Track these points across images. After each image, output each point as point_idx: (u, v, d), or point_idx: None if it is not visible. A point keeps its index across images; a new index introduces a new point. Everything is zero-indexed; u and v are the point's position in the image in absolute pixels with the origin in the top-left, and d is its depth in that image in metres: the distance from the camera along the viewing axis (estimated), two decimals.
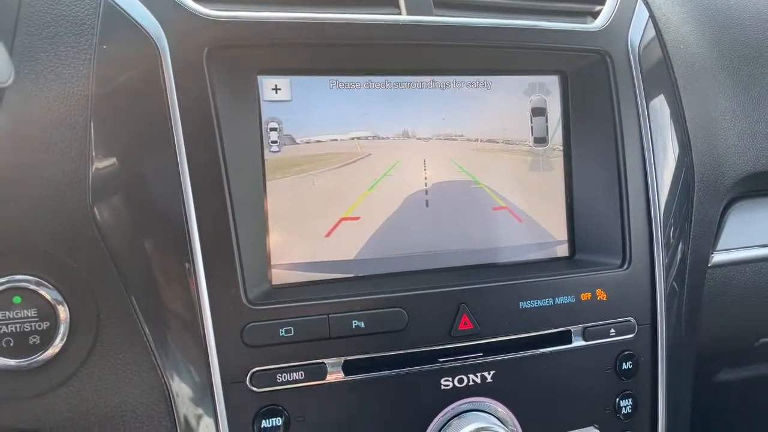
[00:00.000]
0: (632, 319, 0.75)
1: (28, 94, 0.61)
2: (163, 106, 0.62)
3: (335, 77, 0.69)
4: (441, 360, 0.68)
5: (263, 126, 0.67)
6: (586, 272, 0.74)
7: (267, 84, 0.67)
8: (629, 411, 0.74)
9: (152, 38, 0.62)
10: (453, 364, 0.68)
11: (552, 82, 0.77)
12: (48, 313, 0.60)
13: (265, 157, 0.67)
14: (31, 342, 0.60)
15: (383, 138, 0.71)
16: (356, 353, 0.65)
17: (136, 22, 0.62)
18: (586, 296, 0.73)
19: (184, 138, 0.62)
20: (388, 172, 0.71)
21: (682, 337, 0.80)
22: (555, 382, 0.72)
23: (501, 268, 0.74)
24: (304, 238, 0.68)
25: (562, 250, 0.78)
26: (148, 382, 0.63)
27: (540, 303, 0.71)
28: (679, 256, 0.80)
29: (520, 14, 0.75)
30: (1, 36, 0.60)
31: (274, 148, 0.67)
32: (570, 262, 0.77)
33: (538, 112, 0.77)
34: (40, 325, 0.60)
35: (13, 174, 0.60)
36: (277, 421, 0.63)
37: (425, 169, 0.72)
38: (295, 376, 0.63)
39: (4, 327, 0.59)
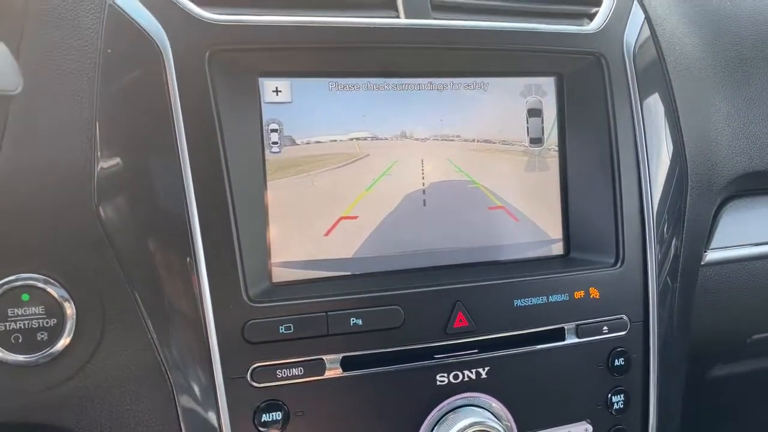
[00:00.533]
0: (625, 317, 0.76)
1: (34, 97, 0.63)
2: (166, 108, 0.63)
3: (335, 79, 0.70)
4: (437, 356, 0.69)
5: (264, 127, 0.68)
6: (579, 271, 0.75)
7: (268, 86, 0.69)
8: (621, 406, 0.76)
9: (155, 42, 0.63)
10: (448, 361, 0.69)
11: (548, 83, 0.78)
12: (55, 310, 0.62)
13: (266, 157, 0.68)
14: (38, 338, 0.61)
15: (381, 139, 0.72)
16: (354, 350, 0.67)
17: (140, 25, 0.64)
18: (579, 294, 0.74)
19: (186, 139, 0.63)
20: (386, 172, 0.72)
21: (674, 335, 0.82)
22: (548, 378, 0.73)
23: (496, 266, 0.76)
24: (304, 237, 0.70)
25: (557, 249, 0.79)
26: (152, 378, 0.64)
27: (534, 301, 0.72)
28: (672, 254, 0.82)
29: (517, 17, 0.76)
30: (9, 42, 0.62)
31: (275, 148, 0.69)
32: (564, 260, 0.79)
33: (534, 113, 0.78)
34: (47, 322, 0.62)
35: (20, 175, 0.62)
36: (277, 416, 0.64)
37: (423, 169, 0.74)
38: (295, 371, 0.65)
39: (12, 323, 0.61)
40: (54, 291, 0.62)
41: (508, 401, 0.72)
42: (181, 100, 0.63)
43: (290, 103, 0.69)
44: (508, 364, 0.72)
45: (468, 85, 0.75)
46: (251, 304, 0.64)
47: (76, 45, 0.64)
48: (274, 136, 0.69)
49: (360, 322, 0.67)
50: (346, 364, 0.67)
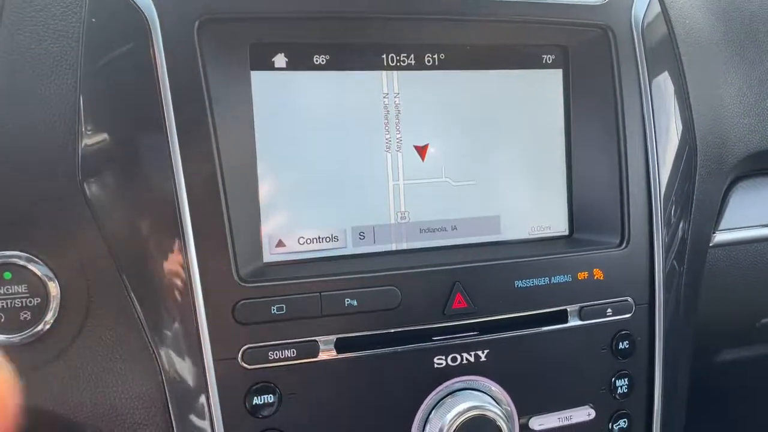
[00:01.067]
0: (630, 299, 0.74)
1: (15, 68, 0.60)
2: (152, 80, 0.60)
3: (331, 51, 0.68)
4: (434, 338, 0.67)
5: (255, 100, 0.66)
6: (583, 251, 0.73)
7: (260, 58, 0.66)
8: (625, 391, 0.74)
9: (141, 10, 0.61)
10: (446, 343, 0.67)
11: (555, 59, 0.75)
12: (38, 289, 0.60)
13: (257, 132, 0.66)
14: (22, 318, 0.60)
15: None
16: (349, 331, 0.65)
17: None
18: (583, 275, 0.72)
19: (174, 113, 0.60)
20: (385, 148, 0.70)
21: (680, 317, 0.79)
22: (550, 361, 0.71)
23: (497, 246, 0.74)
24: (297, 215, 0.68)
25: (561, 229, 0.77)
26: (140, 359, 0.63)
27: (536, 282, 0.70)
28: (679, 235, 0.79)
29: None
30: None
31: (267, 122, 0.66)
32: (568, 241, 0.76)
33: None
34: (30, 301, 0.60)
35: (1, 150, 0.59)
36: (269, 398, 0.62)
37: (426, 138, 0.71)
38: (287, 353, 0.63)
39: None
40: (37, 269, 0.60)
41: (508, 385, 0.69)
42: (169, 72, 0.60)
43: (283, 75, 0.67)
44: (509, 346, 0.70)
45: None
46: (242, 283, 0.62)
47: (59, 14, 0.62)
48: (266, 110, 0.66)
49: (355, 302, 0.64)
50: (340, 345, 0.65)
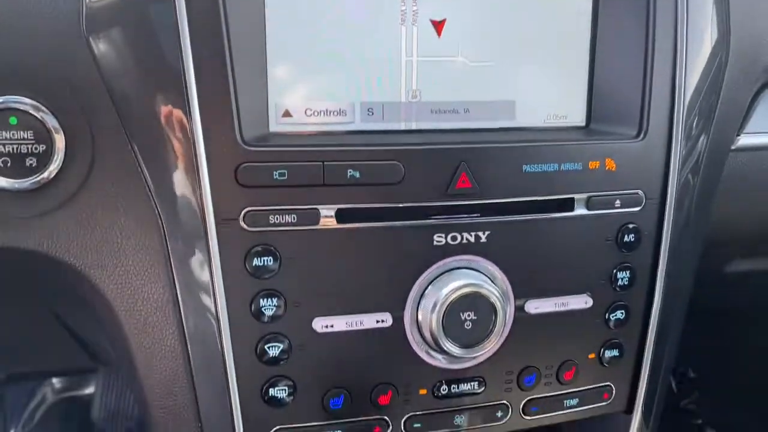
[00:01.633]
0: (640, 192, 0.72)
1: None
2: None
3: None
4: (435, 216, 0.67)
5: None
6: (597, 140, 0.71)
7: None
8: (626, 283, 0.73)
9: None
10: (447, 222, 0.67)
11: None
12: (44, 136, 0.60)
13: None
14: (27, 164, 0.60)
15: None
16: (350, 202, 0.64)
17: None
18: (594, 164, 0.70)
19: None
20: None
21: (692, 217, 0.77)
22: (551, 247, 0.70)
23: (508, 130, 0.72)
24: (306, 86, 0.66)
25: (577, 120, 0.74)
26: (143, 215, 0.64)
27: (545, 168, 0.68)
28: (700, 132, 0.76)
29: None
30: None
31: None
32: (583, 130, 0.74)
33: None
34: (36, 148, 0.60)
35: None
36: (269, 260, 0.63)
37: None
38: (288, 218, 0.63)
39: (0, 147, 0.59)
40: (43, 116, 0.60)
41: (506, 267, 0.69)
42: None
43: None
44: (511, 230, 0.69)
45: None
46: (245, 147, 0.62)
47: None
48: None
49: (357, 174, 0.64)
50: (341, 215, 0.64)
